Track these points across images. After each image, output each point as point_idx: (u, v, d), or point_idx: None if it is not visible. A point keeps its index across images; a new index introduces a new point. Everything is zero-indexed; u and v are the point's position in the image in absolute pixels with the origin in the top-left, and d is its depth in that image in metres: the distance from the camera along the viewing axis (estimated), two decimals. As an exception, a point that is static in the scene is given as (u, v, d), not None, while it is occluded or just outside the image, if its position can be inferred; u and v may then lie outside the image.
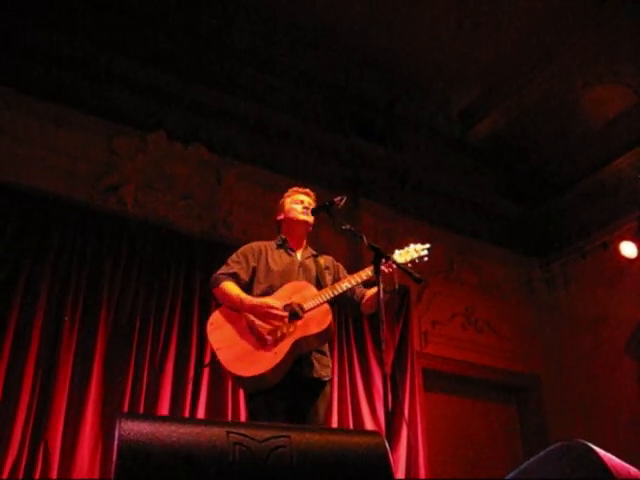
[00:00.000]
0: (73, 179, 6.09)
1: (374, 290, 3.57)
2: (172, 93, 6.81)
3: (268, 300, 3.40)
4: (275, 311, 3.34)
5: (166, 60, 6.94)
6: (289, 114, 7.53)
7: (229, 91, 7.20)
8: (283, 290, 3.51)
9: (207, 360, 5.70)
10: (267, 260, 3.69)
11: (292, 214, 3.82)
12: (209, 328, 3.45)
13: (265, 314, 3.35)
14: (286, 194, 3.94)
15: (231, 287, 3.52)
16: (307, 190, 3.93)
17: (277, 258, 3.71)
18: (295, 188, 3.96)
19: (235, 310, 3.46)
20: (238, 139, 7.11)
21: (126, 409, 5.31)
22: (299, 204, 3.83)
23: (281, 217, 3.89)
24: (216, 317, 3.49)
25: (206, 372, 5.75)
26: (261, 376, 3.23)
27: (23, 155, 5.92)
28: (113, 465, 1.88)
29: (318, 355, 3.51)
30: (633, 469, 2.36)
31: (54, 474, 4.88)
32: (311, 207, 3.83)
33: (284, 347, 3.28)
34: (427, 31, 7.34)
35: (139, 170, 6.40)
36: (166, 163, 6.53)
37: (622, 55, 7.34)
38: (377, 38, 7.44)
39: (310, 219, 3.81)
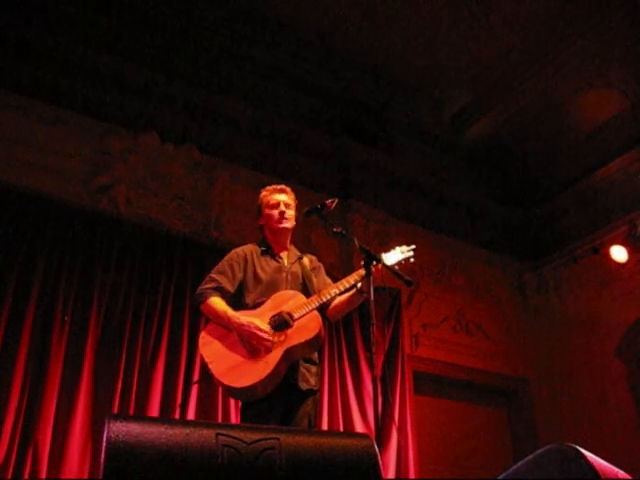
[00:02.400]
0: (65, 179, 6.07)
1: (343, 298, 3.57)
2: (164, 94, 6.80)
3: (255, 320, 3.37)
4: (260, 333, 3.31)
5: (159, 61, 6.93)
6: (281, 116, 7.53)
7: (221, 93, 7.20)
8: (272, 300, 3.49)
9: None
10: (254, 269, 3.66)
11: (270, 223, 3.76)
12: (201, 342, 3.43)
13: (251, 335, 3.32)
14: (262, 195, 3.84)
15: (217, 303, 3.49)
16: (282, 187, 3.84)
17: (265, 266, 3.68)
18: (270, 187, 3.86)
19: (223, 326, 3.44)
20: (230, 141, 7.11)
21: (116, 410, 5.29)
22: (275, 209, 3.74)
23: (262, 222, 3.83)
24: (207, 331, 3.46)
25: (197, 374, 5.74)
26: (252, 386, 3.22)
27: (15, 155, 5.89)
28: (101, 466, 1.87)
29: (307, 364, 3.50)
30: (621, 472, 2.37)
31: (43, 475, 4.86)
32: (290, 207, 3.77)
33: (275, 356, 3.28)
34: (420, 34, 7.37)
35: (131, 171, 6.38)
36: (158, 164, 6.52)
37: (614, 60, 7.38)
38: (369, 40, 7.46)
39: (289, 225, 3.76)
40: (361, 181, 7.81)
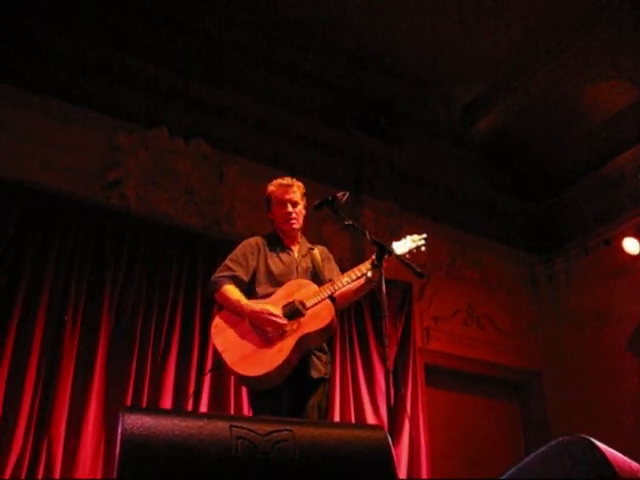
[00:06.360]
0: (75, 175, 6.09)
1: (351, 285, 3.55)
2: (174, 89, 6.81)
3: (268, 307, 3.39)
4: (274, 318, 3.33)
5: (168, 57, 6.94)
6: (291, 110, 7.53)
7: (230, 87, 7.20)
8: (285, 288, 3.51)
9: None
10: (266, 260, 3.67)
11: (278, 222, 3.77)
12: (213, 331, 3.45)
13: (265, 321, 3.34)
14: (269, 189, 3.80)
15: (231, 291, 3.50)
16: (289, 182, 3.77)
17: (276, 258, 3.68)
18: (277, 182, 3.80)
19: (236, 314, 3.46)
20: (240, 135, 7.11)
21: (129, 404, 5.31)
22: (283, 209, 3.72)
23: (271, 216, 3.82)
24: (220, 320, 3.48)
25: (209, 367, 5.76)
26: (266, 375, 3.23)
27: (25, 152, 5.92)
28: (116, 459, 1.88)
29: (318, 353, 3.52)
30: (634, 464, 2.36)
31: (57, 469, 4.89)
32: (297, 205, 3.73)
33: (288, 345, 3.29)
34: (429, 27, 7.34)
35: (141, 166, 6.40)
36: (168, 159, 6.53)
37: (625, 51, 7.32)
38: (379, 34, 7.44)
39: (297, 225, 3.76)
40: (372, 174, 7.81)
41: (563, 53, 7.53)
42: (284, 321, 3.34)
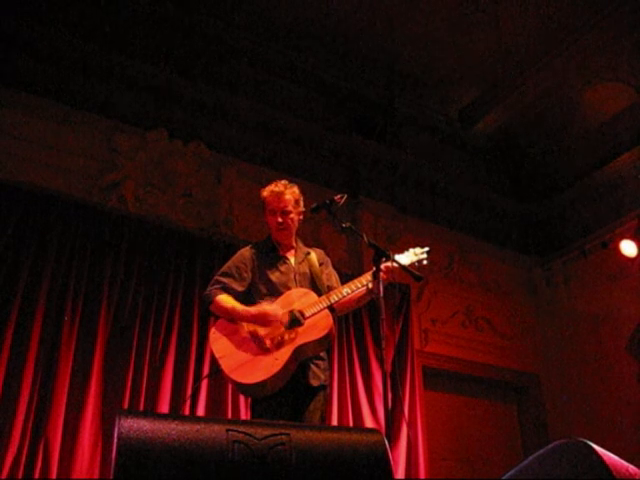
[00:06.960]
0: (73, 177, 6.09)
1: (352, 295, 3.55)
2: (172, 91, 6.81)
3: (267, 308, 3.41)
4: (275, 312, 3.37)
5: (167, 58, 6.94)
6: (289, 112, 7.52)
7: (229, 89, 7.20)
8: (284, 297, 3.52)
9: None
10: (263, 270, 3.66)
11: (271, 229, 3.77)
12: (212, 337, 3.45)
13: (265, 322, 3.37)
14: (263, 194, 3.75)
15: (226, 300, 3.51)
16: (280, 189, 3.70)
17: (273, 267, 3.68)
18: (269, 187, 3.74)
19: (233, 321, 3.46)
20: (238, 137, 7.11)
21: (126, 407, 5.31)
22: (274, 218, 3.69)
23: (266, 220, 3.80)
24: (218, 327, 3.48)
25: (206, 371, 5.76)
26: (262, 383, 3.24)
27: (23, 153, 5.92)
28: (112, 462, 1.88)
29: (316, 361, 3.52)
30: (632, 467, 2.35)
31: (54, 471, 4.88)
32: (289, 213, 3.69)
33: (285, 354, 3.30)
34: (427, 28, 7.34)
35: (139, 168, 6.39)
36: (166, 161, 6.53)
37: (623, 53, 7.33)
38: (376, 35, 7.44)
39: (288, 233, 3.73)
40: (369, 177, 7.80)
41: (561, 55, 7.53)
42: (281, 311, 3.37)
